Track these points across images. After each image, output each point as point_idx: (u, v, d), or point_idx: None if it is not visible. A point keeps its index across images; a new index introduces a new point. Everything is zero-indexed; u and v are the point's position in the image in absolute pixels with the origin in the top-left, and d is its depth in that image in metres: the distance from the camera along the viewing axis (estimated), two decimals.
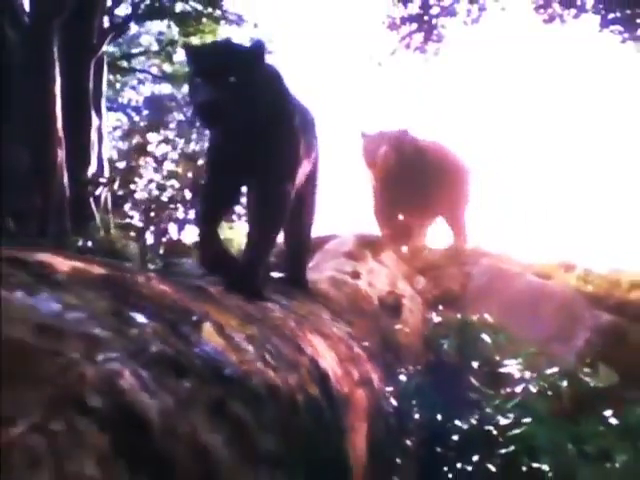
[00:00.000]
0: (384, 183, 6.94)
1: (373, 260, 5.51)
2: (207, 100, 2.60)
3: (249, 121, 2.80)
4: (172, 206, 12.55)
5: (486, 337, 3.26)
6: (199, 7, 7.93)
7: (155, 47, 9.49)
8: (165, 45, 9.24)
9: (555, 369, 2.82)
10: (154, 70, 10.96)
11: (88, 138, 7.67)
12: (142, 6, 8.27)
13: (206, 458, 1.18)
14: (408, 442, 3.04)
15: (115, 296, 1.42)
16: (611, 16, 11.91)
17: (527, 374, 2.86)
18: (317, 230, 7.85)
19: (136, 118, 13.86)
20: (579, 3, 11.82)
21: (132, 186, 11.70)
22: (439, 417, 2.78)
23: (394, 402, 2.97)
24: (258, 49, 2.89)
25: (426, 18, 11.35)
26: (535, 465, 2.83)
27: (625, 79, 15.04)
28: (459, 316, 3.59)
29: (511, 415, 2.73)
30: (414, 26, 11.47)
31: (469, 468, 2.83)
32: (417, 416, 2.82)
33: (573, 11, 11.77)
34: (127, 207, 11.55)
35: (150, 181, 12.93)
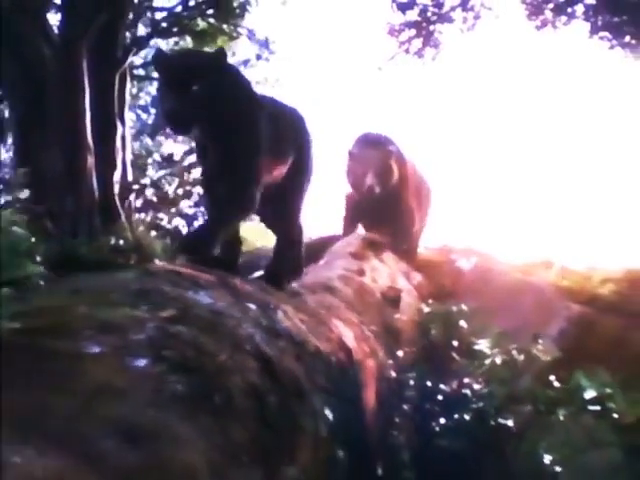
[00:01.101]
0: (360, 204, 7.35)
1: (375, 259, 6.58)
2: (172, 109, 3.07)
3: (213, 124, 3.27)
4: (180, 202, 13.58)
5: (463, 323, 4.35)
6: (215, 22, 8.91)
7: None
8: (160, 34, 10.21)
9: (514, 345, 3.91)
10: None
11: (114, 145, 8.69)
12: (162, 23, 9.28)
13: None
14: (405, 406, 4.13)
15: (231, 292, 2.49)
16: (599, 23, 12.94)
17: (494, 350, 3.95)
18: (321, 230, 8.82)
19: (143, 116, 14.81)
20: (570, 10, 12.85)
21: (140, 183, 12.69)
22: (428, 383, 3.87)
23: (393, 373, 4.06)
24: (219, 58, 3.33)
25: (424, 25, 12.36)
26: (500, 420, 3.93)
27: (613, 84, 16.10)
28: (444, 307, 4.67)
29: (481, 380, 3.82)
30: (412, 32, 12.49)
31: (450, 422, 3.93)
32: (412, 382, 3.91)
33: (564, 18, 12.79)
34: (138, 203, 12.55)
35: (158, 179, 13.96)
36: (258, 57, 12.80)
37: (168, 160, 14.63)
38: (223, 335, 2.02)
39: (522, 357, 3.87)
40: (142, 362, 1.69)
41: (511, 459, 3.88)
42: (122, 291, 2.12)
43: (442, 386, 3.88)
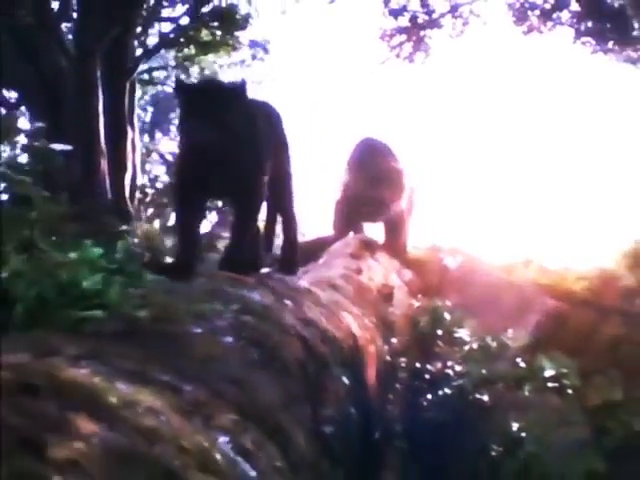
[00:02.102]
0: (352, 210, 8.22)
1: (371, 258, 7.56)
2: (199, 141, 3.49)
3: (227, 150, 3.58)
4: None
5: (447, 316, 5.35)
6: (218, 33, 9.80)
7: (172, 62, 11.38)
8: (182, 60, 11.16)
9: (488, 334, 4.91)
10: (170, 81, 13.03)
11: (124, 149, 9.61)
12: (169, 35, 10.17)
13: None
14: (397, 385, 5.13)
15: (271, 291, 3.45)
16: (583, 29, 13.98)
17: (472, 338, 4.95)
18: (319, 231, 9.76)
19: (140, 113, 15.67)
20: (555, 17, 13.87)
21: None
22: (417, 365, 4.86)
23: (388, 357, 5.04)
24: (241, 89, 3.71)
25: (415, 30, 13.32)
26: (477, 395, 4.93)
27: (596, 87, 17.17)
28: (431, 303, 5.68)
29: (461, 362, 4.82)
30: (403, 37, 13.45)
31: (435, 397, 4.93)
32: (403, 365, 4.90)
33: (550, 24, 13.82)
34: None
35: (156, 177, 14.84)
36: (253, 57, 13.66)
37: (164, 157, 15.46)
38: (274, 323, 2.99)
39: (495, 344, 4.86)
40: (229, 339, 2.65)
41: (485, 427, 4.89)
42: (200, 291, 3.08)
43: (429, 367, 4.86)
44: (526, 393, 4.83)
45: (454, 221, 13.12)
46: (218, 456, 1.78)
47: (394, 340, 5.14)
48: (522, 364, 4.92)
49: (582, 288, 8.76)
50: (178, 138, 4.39)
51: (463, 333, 5.17)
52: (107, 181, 9.19)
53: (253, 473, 1.86)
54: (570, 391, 4.93)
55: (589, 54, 14.06)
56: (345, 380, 3.28)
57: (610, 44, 13.87)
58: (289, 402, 2.49)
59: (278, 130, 4.54)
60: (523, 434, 4.77)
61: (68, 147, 3.30)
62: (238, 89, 3.73)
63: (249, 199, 4.02)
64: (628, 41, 13.14)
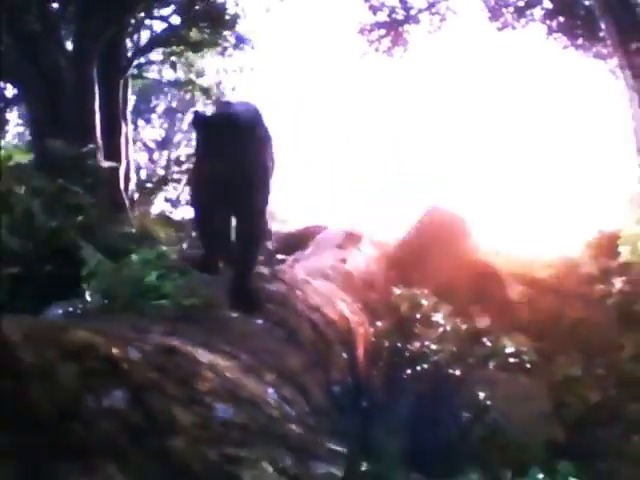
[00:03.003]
0: None
1: (355, 249, 8.49)
2: (216, 176, 3.85)
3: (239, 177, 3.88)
4: (164, 187, 15.25)
5: (424, 301, 6.32)
6: (208, 33, 10.56)
7: (159, 57, 12.10)
8: (169, 55, 11.90)
9: (458, 318, 5.89)
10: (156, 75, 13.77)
11: (119, 143, 10.38)
12: (161, 35, 10.92)
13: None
14: (380, 363, 6.08)
15: (283, 282, 4.38)
16: (554, 25, 14.96)
17: (446, 321, 5.93)
18: (306, 221, 10.66)
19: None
20: (528, 13, 14.83)
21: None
22: (399, 344, 5.82)
23: (373, 338, 6.00)
24: (255, 122, 4.11)
25: (393, 25, 14.19)
26: (450, 370, 5.90)
27: (567, 81, 18.26)
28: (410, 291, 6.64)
29: (436, 341, 5.79)
30: (382, 32, 14.31)
31: (414, 371, 5.89)
32: (387, 344, 5.85)
33: (523, 21, 14.78)
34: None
35: (139, 167, 15.57)
36: (235, 47, 14.34)
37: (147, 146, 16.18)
38: (290, 308, 3.91)
39: (465, 326, 5.85)
40: (259, 321, 3.58)
41: (457, 398, 5.86)
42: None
43: (408, 346, 5.83)
44: (490, 367, 5.82)
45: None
46: (270, 400, 2.70)
47: (378, 323, 6.09)
48: (488, 343, 5.92)
49: (548, 275, 9.79)
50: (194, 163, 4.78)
51: (438, 317, 6.16)
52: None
53: (293, 413, 2.79)
54: (529, 367, 5.94)
55: (561, 49, 15.07)
56: (344, 355, 4.22)
57: (580, 40, 14.88)
58: (308, 368, 3.42)
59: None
60: (489, 402, 5.74)
61: (114, 164, 4.06)
62: (251, 124, 4.08)
63: (253, 230, 4.24)
64: (597, 38, 14.11)
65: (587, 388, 7.66)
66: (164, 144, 16.02)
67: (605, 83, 15.05)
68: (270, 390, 2.80)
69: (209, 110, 5.02)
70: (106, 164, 3.93)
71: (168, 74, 13.80)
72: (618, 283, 9.61)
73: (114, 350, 1.88)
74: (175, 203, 15.02)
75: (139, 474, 1.50)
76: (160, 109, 16.29)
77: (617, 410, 7.56)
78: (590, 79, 16.31)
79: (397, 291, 6.70)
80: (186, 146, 15.89)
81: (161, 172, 16.00)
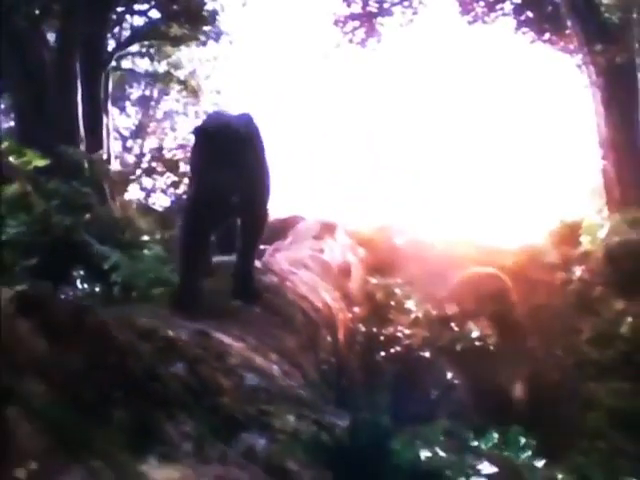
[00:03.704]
0: None
1: (331, 239, 9.16)
2: (215, 185, 4.00)
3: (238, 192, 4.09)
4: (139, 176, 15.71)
5: (398, 290, 7.03)
6: (187, 28, 11.06)
7: (137, 48, 12.58)
8: (148, 47, 12.37)
9: (428, 304, 6.62)
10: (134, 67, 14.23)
11: (100, 134, 10.89)
12: (141, 30, 11.41)
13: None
14: (357, 346, 6.79)
15: (275, 275, 5.04)
16: (523, 19, 15.69)
17: (417, 307, 6.65)
18: (284, 211, 11.30)
19: None
20: (498, 8, 15.54)
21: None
22: (374, 329, 6.53)
23: (351, 324, 6.69)
24: (252, 133, 4.31)
25: (367, 17, 14.78)
26: (421, 353, 6.64)
27: (535, 75, 19.07)
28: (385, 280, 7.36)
29: (409, 326, 6.52)
30: (356, 23, 14.90)
31: (388, 354, 6.60)
32: (363, 329, 6.56)
33: (493, 15, 15.47)
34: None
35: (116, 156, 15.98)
36: (209, 36, 14.78)
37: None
38: (283, 298, 4.58)
39: (435, 312, 6.58)
40: (258, 310, 4.23)
41: (427, 377, 6.60)
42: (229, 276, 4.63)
43: (383, 331, 6.54)
44: (458, 349, 6.57)
45: (401, 201, 14.89)
46: (276, 374, 3.36)
47: (356, 309, 6.79)
48: (456, 328, 6.65)
49: (512, 263, 10.58)
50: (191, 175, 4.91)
51: (411, 304, 6.88)
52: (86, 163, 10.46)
53: (294, 384, 3.45)
54: (492, 349, 6.70)
55: (529, 43, 15.82)
56: (329, 338, 4.91)
57: (547, 35, 15.64)
58: (302, 350, 4.09)
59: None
60: (456, 381, 6.49)
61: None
62: (250, 135, 4.26)
63: (256, 231, 4.57)
64: (564, 33, 14.87)
65: (546, 369, 8.51)
66: (138, 132, 16.42)
67: (571, 77, 15.83)
68: (274, 366, 3.46)
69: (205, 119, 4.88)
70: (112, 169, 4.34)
71: (144, 64, 14.28)
72: (578, 271, 10.45)
73: (170, 332, 2.53)
74: (149, 192, 15.48)
75: (201, 422, 2.15)
76: (134, 97, 16.67)
77: (575, 391, 8.41)
78: (557, 73, 17.12)
79: (373, 280, 7.40)
80: (161, 135, 16.34)
81: (134, 160, 16.41)
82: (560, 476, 3.27)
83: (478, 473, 2.23)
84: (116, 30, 11.37)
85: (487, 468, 2.31)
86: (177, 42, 11.64)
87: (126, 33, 11.59)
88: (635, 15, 10.39)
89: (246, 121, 4.49)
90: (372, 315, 6.89)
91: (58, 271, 4.67)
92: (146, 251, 4.36)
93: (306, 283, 5.69)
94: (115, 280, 4.09)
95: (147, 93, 16.66)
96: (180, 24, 10.78)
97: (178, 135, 16.84)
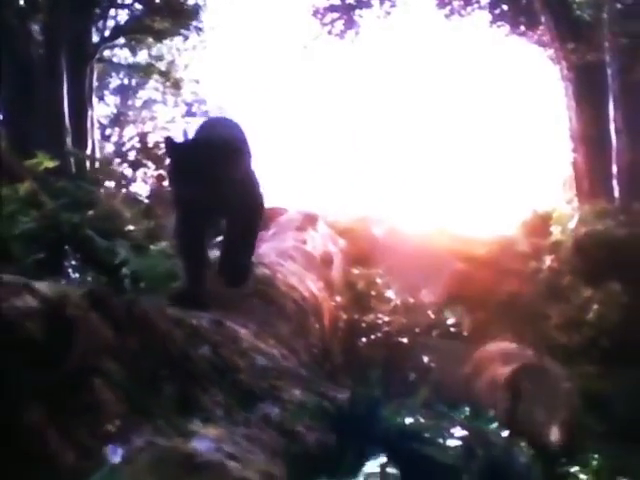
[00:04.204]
0: None
1: (313, 230, 9.68)
2: (191, 197, 4.08)
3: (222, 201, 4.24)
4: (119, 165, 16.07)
5: (378, 280, 7.60)
6: (170, 22, 11.45)
7: (120, 40, 12.92)
8: (130, 40, 12.73)
9: (408, 293, 7.18)
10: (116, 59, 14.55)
11: (85, 125, 11.28)
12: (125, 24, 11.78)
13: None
14: (339, 333, 7.34)
15: (266, 267, 5.56)
16: (498, 13, 16.29)
17: (396, 296, 7.22)
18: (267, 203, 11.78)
19: None
20: (475, 1, 16.12)
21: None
22: (355, 316, 7.08)
23: (334, 311, 7.24)
24: (231, 148, 4.21)
25: (346, 9, 15.27)
26: (399, 338, 7.20)
27: (510, 68, 19.69)
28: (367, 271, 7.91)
29: (388, 314, 7.08)
30: (335, 15, 15.38)
31: (368, 339, 7.17)
32: (345, 316, 7.10)
33: (469, 8, 16.06)
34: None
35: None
36: (192, 30, 15.19)
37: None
38: (276, 288, 5.10)
39: (413, 300, 7.15)
40: (255, 300, 4.75)
41: (405, 362, 7.17)
42: None
43: (364, 318, 7.10)
44: (433, 335, 7.15)
45: (379, 192, 15.46)
46: (277, 356, 3.89)
47: (338, 298, 7.33)
48: (432, 315, 7.24)
49: (485, 253, 11.22)
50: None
51: (390, 293, 7.45)
52: (71, 155, 10.89)
53: (291, 365, 3.98)
54: (466, 335, 7.30)
55: (504, 36, 16.44)
56: (317, 326, 5.45)
57: (522, 28, 16.26)
58: (295, 335, 4.63)
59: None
60: (432, 365, 7.07)
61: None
62: (227, 150, 4.23)
63: (247, 229, 4.80)
64: (538, 26, 15.49)
65: None
66: (116, 121, 16.76)
67: (545, 70, 16.45)
68: (274, 350, 3.99)
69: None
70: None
71: (125, 54, 14.61)
72: (548, 260, 11.12)
73: (194, 321, 3.05)
74: (130, 181, 15.81)
75: (227, 394, 2.67)
76: (112, 86, 16.99)
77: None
78: (531, 66, 17.77)
79: (355, 271, 7.95)
80: (140, 123, 16.70)
81: (113, 149, 16.74)
82: (523, 443, 3.84)
83: (452, 435, 2.79)
84: (100, 24, 11.72)
85: (459, 432, 2.87)
86: (160, 36, 12.03)
87: (110, 25, 11.95)
88: (605, 15, 10.98)
89: (234, 130, 4.70)
90: (354, 303, 7.44)
91: (66, 264, 5.14)
92: (152, 247, 4.84)
93: (294, 274, 6.21)
94: (125, 274, 4.57)
95: (126, 82, 16.96)
96: (163, 17, 11.16)
97: (158, 124, 17.21)
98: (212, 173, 4.05)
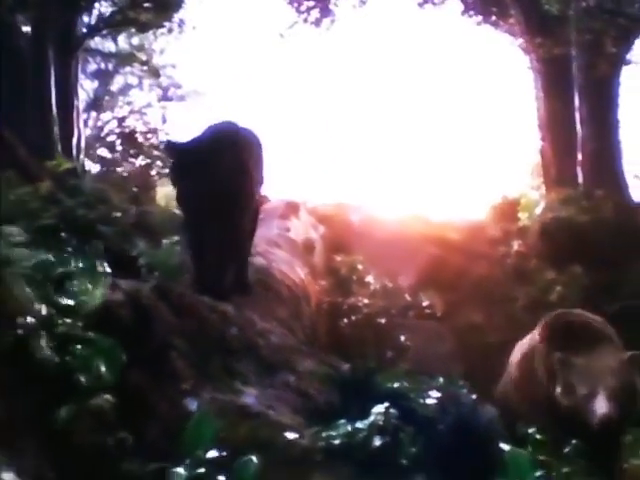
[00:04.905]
0: None
1: (295, 218, 10.49)
2: (191, 197, 4.62)
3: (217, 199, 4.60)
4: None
5: (359, 265, 8.45)
6: (153, 15, 12.04)
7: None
8: (113, 30, 13.30)
9: (386, 277, 8.04)
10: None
11: (71, 115, 11.90)
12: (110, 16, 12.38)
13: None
14: (323, 314, 8.19)
15: (263, 257, 6.38)
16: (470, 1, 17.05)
17: (375, 281, 8.08)
18: None
19: None
20: None
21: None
22: (339, 299, 7.93)
23: (319, 295, 8.09)
24: (228, 145, 4.78)
25: None
26: (379, 319, 8.07)
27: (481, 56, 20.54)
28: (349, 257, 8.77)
29: (368, 297, 7.95)
30: (311, 3, 16.03)
31: (350, 320, 8.02)
32: (328, 300, 7.95)
33: None
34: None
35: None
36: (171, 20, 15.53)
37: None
38: (272, 277, 5.92)
39: (391, 284, 8.02)
40: (258, 289, 5.56)
41: (382, 341, 8.04)
42: None
43: (346, 301, 7.94)
44: (410, 316, 8.04)
45: (354, 178, 16.32)
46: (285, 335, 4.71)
47: (322, 282, 8.17)
48: (408, 298, 8.11)
49: (457, 238, 12.11)
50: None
51: (370, 278, 8.31)
52: (59, 144, 11.55)
53: (291, 342, 4.80)
54: (439, 315, 8.19)
55: (476, 25, 17.22)
56: (307, 308, 6.29)
57: (493, 17, 17.05)
58: (291, 317, 5.46)
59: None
60: (408, 343, 7.94)
61: None
62: (224, 149, 4.73)
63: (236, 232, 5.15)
64: (509, 16, 16.28)
65: (486, 332, 10.07)
66: (93, 105, 17.27)
67: (516, 59, 17.25)
68: (278, 329, 4.81)
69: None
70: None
71: (107, 43, 15.19)
72: (516, 245, 12.04)
73: (221, 307, 3.86)
74: (109, 163, 16.41)
75: (254, 364, 3.50)
76: (89, 70, 17.46)
77: (510, 351, 10.00)
78: (502, 55, 18.63)
79: (338, 258, 8.80)
80: (118, 107, 17.26)
81: (90, 133, 17.26)
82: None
83: (430, 396, 3.64)
84: (85, 16, 12.29)
85: (435, 394, 3.73)
86: (144, 28, 12.63)
87: (95, 17, 12.50)
88: (571, 12, 11.82)
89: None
90: (336, 287, 8.28)
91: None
92: (164, 241, 5.60)
93: (285, 262, 7.03)
94: (141, 264, 5.32)
95: (102, 66, 17.48)
96: (145, 10, 11.75)
97: (134, 108, 17.78)
98: (213, 172, 4.52)
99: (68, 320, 2.42)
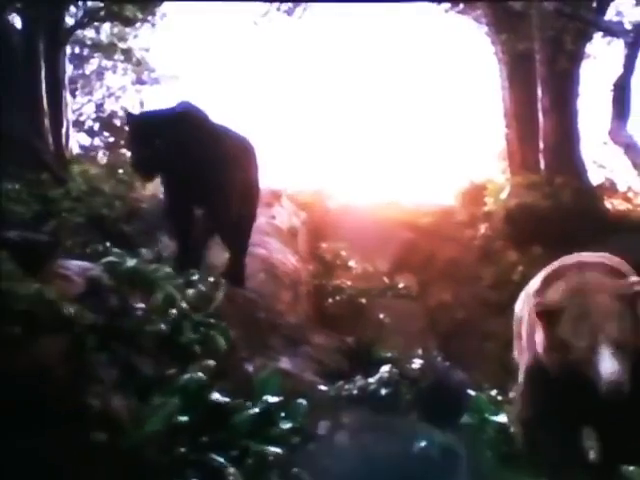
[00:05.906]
0: None
1: (278, 205, 11.63)
2: (135, 158, 5.05)
3: (179, 169, 5.02)
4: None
5: (343, 252, 9.67)
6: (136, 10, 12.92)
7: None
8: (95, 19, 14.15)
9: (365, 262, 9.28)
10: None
11: (60, 106, 12.82)
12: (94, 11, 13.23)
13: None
14: (311, 295, 9.41)
15: (262, 247, 7.56)
16: None
17: (357, 265, 9.32)
18: None
19: None
20: None
21: None
22: (323, 282, 9.14)
23: (306, 278, 9.30)
24: (180, 115, 5.16)
25: None
26: (359, 299, 9.32)
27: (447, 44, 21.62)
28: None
29: (350, 280, 9.18)
30: None
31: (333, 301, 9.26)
32: (315, 282, 9.16)
33: None
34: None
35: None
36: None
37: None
38: (272, 264, 7.10)
39: (371, 268, 9.26)
40: (262, 275, 6.75)
41: (362, 321, 9.26)
42: None
43: (330, 283, 9.16)
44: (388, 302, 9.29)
45: (330, 165, 17.47)
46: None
47: (310, 267, 9.38)
48: (386, 280, 9.38)
49: (427, 222, 13.34)
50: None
51: (352, 262, 9.56)
52: (50, 135, 12.49)
53: (293, 321, 5.99)
54: (414, 295, 9.46)
55: (443, 13, 18.35)
56: (303, 290, 7.50)
57: (461, 6, 18.19)
58: (293, 299, 6.65)
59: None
60: (387, 321, 9.17)
61: None
62: (175, 117, 5.15)
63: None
64: (476, 4, 17.40)
65: (455, 310, 11.34)
66: (69, 90, 17.98)
67: (483, 46, 18.39)
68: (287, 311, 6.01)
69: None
70: None
71: (89, 33, 15.96)
72: (482, 228, 13.28)
73: (249, 295, 5.05)
74: (89, 149, 17.24)
75: (281, 339, 4.70)
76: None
77: (477, 326, 11.26)
78: (470, 42, 19.81)
79: (323, 245, 10.01)
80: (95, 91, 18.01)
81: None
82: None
83: (412, 362, 4.89)
84: (72, 10, 13.12)
85: (417, 361, 4.98)
86: (129, 23, 13.53)
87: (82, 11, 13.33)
88: (534, 10, 13.01)
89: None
90: (322, 272, 9.49)
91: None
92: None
93: (279, 251, 8.22)
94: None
95: (77, 50, 18.18)
96: (131, 3, 12.62)
97: (110, 92, 18.58)
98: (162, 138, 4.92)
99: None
